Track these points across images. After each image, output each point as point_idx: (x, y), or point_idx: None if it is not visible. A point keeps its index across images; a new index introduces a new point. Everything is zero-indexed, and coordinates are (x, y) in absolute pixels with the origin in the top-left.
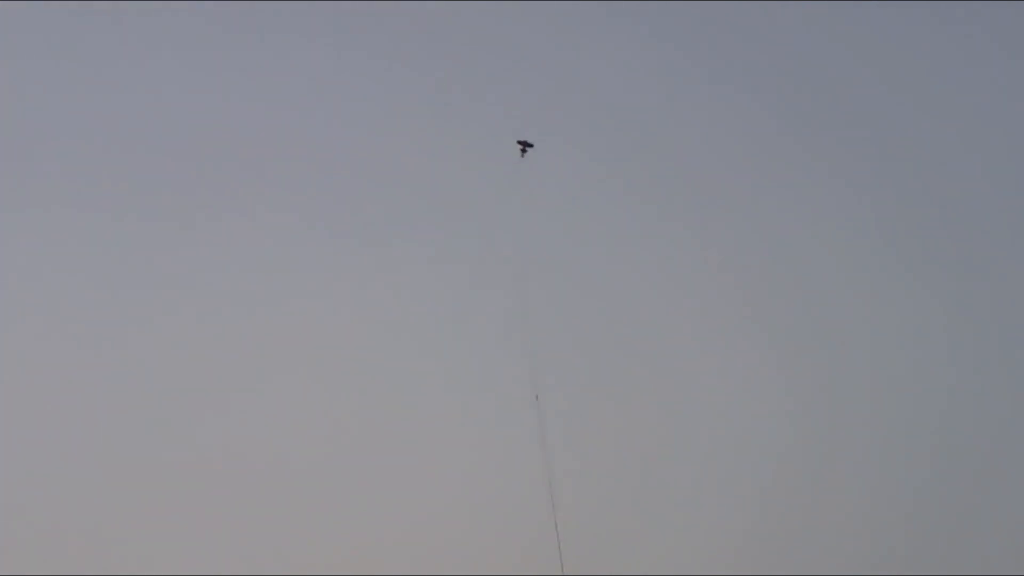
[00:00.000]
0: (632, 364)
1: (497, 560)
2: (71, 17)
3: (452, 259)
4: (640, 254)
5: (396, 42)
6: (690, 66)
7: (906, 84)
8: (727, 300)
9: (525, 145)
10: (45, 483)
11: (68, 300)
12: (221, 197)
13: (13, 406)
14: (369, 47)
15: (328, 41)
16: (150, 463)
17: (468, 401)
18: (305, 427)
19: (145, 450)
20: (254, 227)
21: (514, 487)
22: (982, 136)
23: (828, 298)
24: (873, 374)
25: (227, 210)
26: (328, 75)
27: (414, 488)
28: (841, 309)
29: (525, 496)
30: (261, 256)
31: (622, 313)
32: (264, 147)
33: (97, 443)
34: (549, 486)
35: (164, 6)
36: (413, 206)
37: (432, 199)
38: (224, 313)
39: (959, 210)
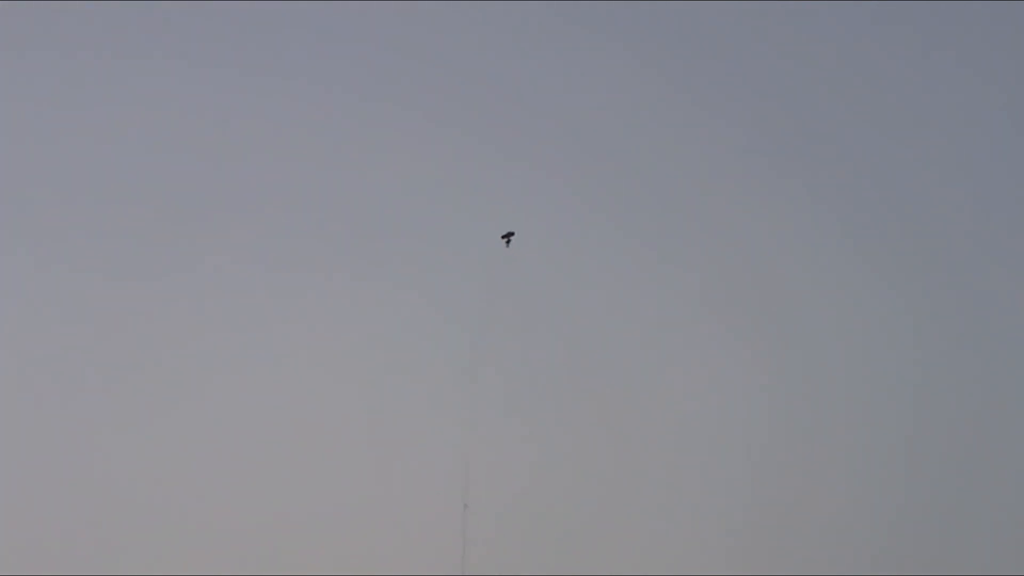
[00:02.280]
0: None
1: None
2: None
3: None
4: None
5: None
6: (665, 75)
7: (886, 90)
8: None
9: (509, 236)
10: (44, 483)
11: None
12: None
13: (12, 408)
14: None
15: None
16: (131, 466)
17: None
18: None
19: (125, 453)
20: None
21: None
22: (958, 145)
23: (814, 305)
24: (853, 375)
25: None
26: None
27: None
28: (823, 314)
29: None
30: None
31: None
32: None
33: (91, 443)
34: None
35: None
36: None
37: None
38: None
39: (941, 214)
